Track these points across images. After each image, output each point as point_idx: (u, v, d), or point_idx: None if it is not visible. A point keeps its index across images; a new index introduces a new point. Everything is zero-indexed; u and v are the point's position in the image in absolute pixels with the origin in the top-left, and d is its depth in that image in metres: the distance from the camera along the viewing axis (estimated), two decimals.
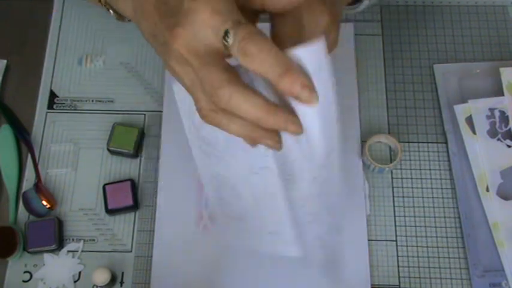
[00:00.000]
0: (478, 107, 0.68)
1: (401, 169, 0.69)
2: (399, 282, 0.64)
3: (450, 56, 0.74)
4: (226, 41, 0.40)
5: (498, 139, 0.67)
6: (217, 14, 0.41)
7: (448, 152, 0.69)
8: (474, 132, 0.67)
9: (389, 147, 0.69)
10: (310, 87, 0.39)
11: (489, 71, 0.72)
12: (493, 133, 0.67)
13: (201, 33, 0.42)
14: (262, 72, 0.39)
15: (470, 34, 0.75)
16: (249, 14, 0.46)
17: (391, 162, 0.68)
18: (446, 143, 0.69)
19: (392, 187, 0.68)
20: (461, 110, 0.68)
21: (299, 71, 0.39)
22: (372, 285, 0.64)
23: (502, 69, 0.69)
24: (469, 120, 0.68)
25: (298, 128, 0.41)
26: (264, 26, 0.45)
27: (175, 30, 0.43)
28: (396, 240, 0.66)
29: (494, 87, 0.70)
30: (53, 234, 0.64)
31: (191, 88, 0.44)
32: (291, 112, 0.41)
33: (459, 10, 0.77)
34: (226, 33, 0.40)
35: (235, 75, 0.41)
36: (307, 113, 0.41)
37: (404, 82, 0.73)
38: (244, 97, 0.40)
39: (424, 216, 0.67)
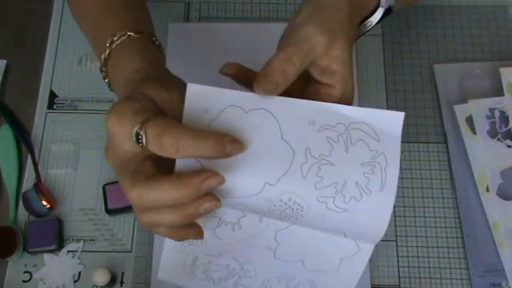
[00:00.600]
0: (478, 107, 0.68)
1: (401, 169, 0.68)
2: (399, 282, 0.64)
3: (450, 56, 0.74)
4: (141, 143, 0.41)
5: (498, 139, 0.67)
6: (124, 121, 0.42)
7: (448, 152, 0.69)
8: (474, 133, 0.67)
9: None
10: (235, 140, 0.41)
11: (489, 71, 0.72)
12: (493, 133, 0.67)
13: (121, 144, 0.43)
14: (191, 156, 0.41)
15: (470, 34, 0.75)
16: (301, 79, 0.47)
17: None
18: (446, 143, 0.69)
19: None
20: (461, 110, 0.68)
21: (221, 134, 0.41)
22: (372, 285, 0.64)
23: (502, 70, 0.69)
24: (469, 120, 0.68)
25: (217, 182, 0.42)
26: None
27: (106, 152, 0.45)
28: (396, 240, 0.66)
29: (494, 88, 0.70)
30: (53, 234, 0.64)
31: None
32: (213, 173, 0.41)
33: (459, 10, 0.77)
34: (137, 136, 0.42)
35: (144, 173, 0.43)
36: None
37: (404, 82, 0.73)
38: (153, 190, 0.41)
39: (424, 216, 0.67)
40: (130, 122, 0.42)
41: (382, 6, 0.55)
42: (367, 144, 0.45)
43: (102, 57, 0.53)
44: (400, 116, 0.45)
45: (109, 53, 0.53)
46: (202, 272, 0.53)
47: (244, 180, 0.43)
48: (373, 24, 0.56)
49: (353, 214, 0.44)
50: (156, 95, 0.45)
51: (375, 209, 0.44)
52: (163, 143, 0.40)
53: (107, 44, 0.53)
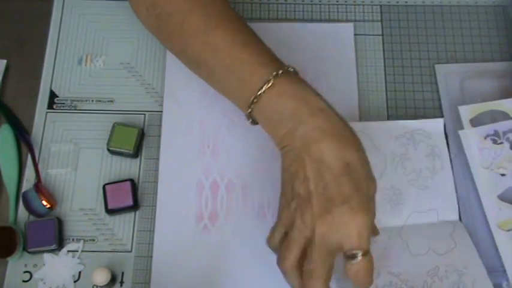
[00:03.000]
0: (483, 112, 0.68)
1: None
2: None
3: (450, 56, 0.74)
4: (351, 259, 0.52)
5: (501, 142, 0.67)
6: (361, 237, 0.52)
7: (448, 152, 0.69)
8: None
9: None
10: None
11: (491, 72, 0.72)
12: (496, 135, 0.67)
13: (340, 236, 0.52)
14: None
15: (470, 34, 0.75)
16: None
17: None
18: (447, 143, 0.69)
19: None
20: (465, 111, 0.68)
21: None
22: None
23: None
24: (474, 121, 0.68)
25: None
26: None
27: (327, 216, 0.52)
28: None
29: (495, 89, 0.70)
30: (53, 234, 0.64)
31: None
32: None
33: (459, 10, 0.77)
34: (354, 254, 0.52)
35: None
36: None
37: (404, 82, 0.73)
38: None
39: None
40: (364, 240, 0.53)
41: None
42: (425, 142, 0.68)
43: (260, 87, 0.56)
44: (440, 121, 0.69)
45: (270, 86, 0.56)
46: None
47: None
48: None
49: (433, 189, 0.66)
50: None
51: (442, 183, 0.66)
52: (361, 275, 0.54)
53: (270, 78, 0.56)
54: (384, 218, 0.64)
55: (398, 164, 0.67)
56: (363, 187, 0.54)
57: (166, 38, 0.65)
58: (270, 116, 0.58)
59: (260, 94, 0.57)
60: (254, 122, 0.61)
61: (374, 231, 0.60)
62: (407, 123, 0.69)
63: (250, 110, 0.58)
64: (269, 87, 0.56)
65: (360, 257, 0.52)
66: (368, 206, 0.53)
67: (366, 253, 0.52)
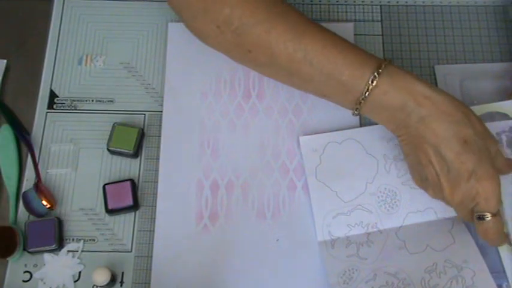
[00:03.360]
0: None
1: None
2: None
3: (450, 56, 0.74)
4: (481, 219, 0.57)
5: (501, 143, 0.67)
6: (488, 201, 0.57)
7: None
8: None
9: None
10: None
11: (490, 72, 0.72)
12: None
13: (472, 204, 0.58)
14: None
15: (470, 34, 0.75)
16: None
17: None
18: None
19: None
20: None
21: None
22: None
23: None
24: None
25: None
26: None
27: (457, 192, 0.57)
28: None
29: (495, 89, 0.70)
30: (53, 234, 0.64)
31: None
32: None
33: (459, 10, 0.77)
34: (483, 216, 0.57)
35: None
36: None
37: None
38: None
39: None
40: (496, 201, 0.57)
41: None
42: None
43: (365, 88, 0.58)
44: None
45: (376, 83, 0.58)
46: None
47: (353, 183, 0.66)
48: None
49: None
50: None
51: None
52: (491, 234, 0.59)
53: (372, 77, 0.58)
54: (380, 221, 0.65)
55: (392, 166, 0.67)
56: (485, 155, 0.57)
57: (248, 52, 0.62)
58: (379, 112, 0.60)
59: (366, 96, 0.59)
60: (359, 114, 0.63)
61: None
62: None
63: (356, 110, 0.61)
64: (374, 87, 0.58)
65: (488, 218, 0.57)
66: (493, 172, 0.57)
67: (495, 215, 0.57)
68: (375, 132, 0.68)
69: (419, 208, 0.65)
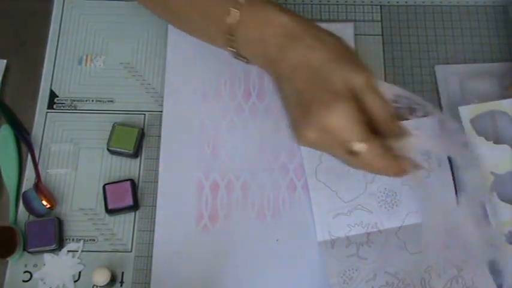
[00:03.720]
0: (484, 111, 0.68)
1: None
2: None
3: (450, 56, 0.74)
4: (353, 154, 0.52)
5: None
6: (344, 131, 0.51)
7: None
8: (478, 134, 0.67)
9: None
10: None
11: (491, 72, 0.72)
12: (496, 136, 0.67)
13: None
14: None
15: (470, 34, 0.75)
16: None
17: None
18: None
19: None
20: (466, 111, 0.68)
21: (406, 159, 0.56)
22: None
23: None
24: (474, 122, 0.68)
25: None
26: None
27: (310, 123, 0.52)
28: None
29: (495, 89, 0.70)
30: (53, 234, 0.64)
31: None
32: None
33: (459, 10, 0.77)
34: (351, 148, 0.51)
35: None
36: None
37: (404, 82, 0.73)
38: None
39: None
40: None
41: None
42: None
43: (228, 24, 0.55)
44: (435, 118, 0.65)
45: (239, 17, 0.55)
46: None
47: (353, 183, 0.65)
48: None
49: (429, 187, 0.65)
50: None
51: (439, 181, 0.65)
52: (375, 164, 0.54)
53: (233, 9, 0.55)
54: (380, 221, 0.65)
55: None
56: (330, 82, 0.52)
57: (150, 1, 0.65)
58: (248, 48, 0.57)
59: (232, 28, 0.56)
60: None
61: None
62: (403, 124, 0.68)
63: (233, 49, 0.58)
64: (238, 21, 0.56)
65: (357, 147, 0.51)
66: (337, 97, 0.51)
67: (361, 141, 0.51)
68: None
69: (419, 208, 0.65)
